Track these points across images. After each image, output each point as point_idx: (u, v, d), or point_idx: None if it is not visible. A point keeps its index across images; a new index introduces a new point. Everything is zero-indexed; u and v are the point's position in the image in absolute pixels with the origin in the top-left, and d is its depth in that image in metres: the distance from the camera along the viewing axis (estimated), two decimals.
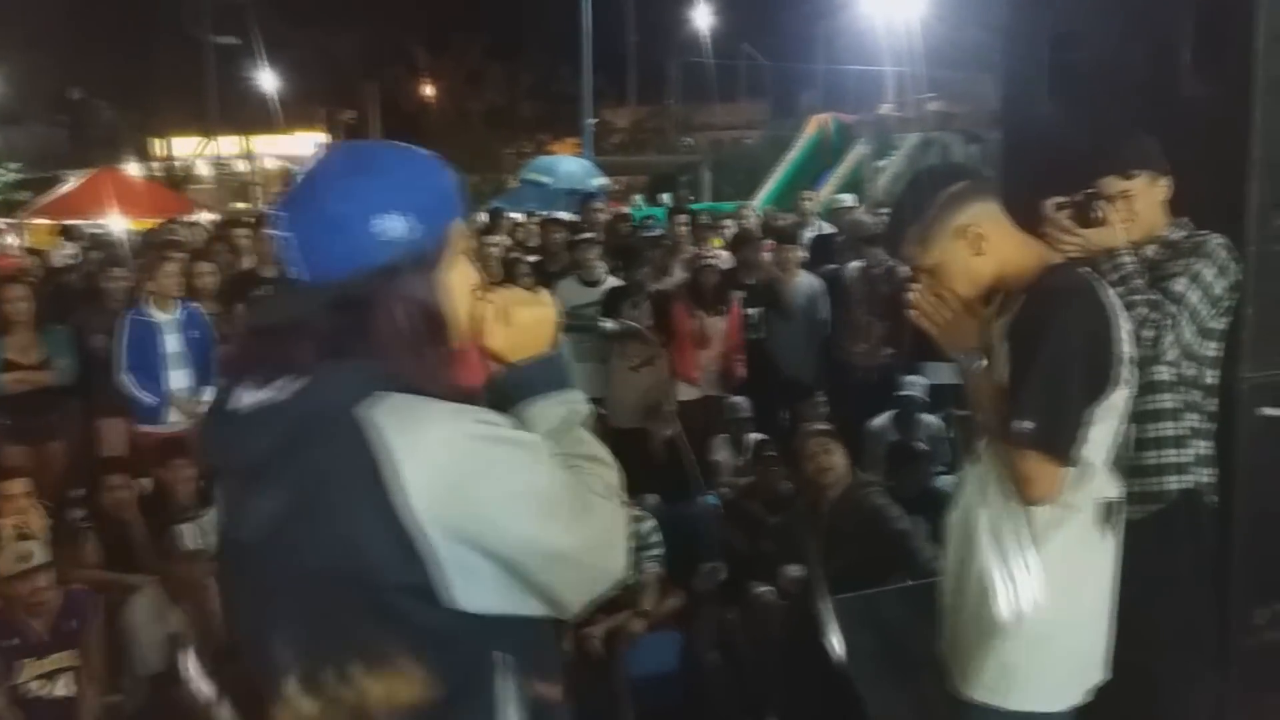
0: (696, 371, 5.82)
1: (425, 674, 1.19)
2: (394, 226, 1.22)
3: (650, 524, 4.43)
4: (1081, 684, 2.02)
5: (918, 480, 4.45)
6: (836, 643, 2.96)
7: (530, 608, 1.25)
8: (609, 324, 1.71)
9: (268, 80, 27.59)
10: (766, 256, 6.39)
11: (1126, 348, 1.95)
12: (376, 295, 1.21)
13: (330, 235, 1.21)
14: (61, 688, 3.43)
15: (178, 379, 5.26)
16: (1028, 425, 1.85)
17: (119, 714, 3.57)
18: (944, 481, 4.34)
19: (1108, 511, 1.99)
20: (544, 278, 6.11)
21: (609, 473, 1.33)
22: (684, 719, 3.98)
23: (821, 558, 3.76)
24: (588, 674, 4.03)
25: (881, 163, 16.26)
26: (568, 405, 1.36)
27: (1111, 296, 1.97)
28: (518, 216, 10.55)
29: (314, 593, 1.18)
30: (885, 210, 7.13)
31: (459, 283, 1.31)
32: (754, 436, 5.14)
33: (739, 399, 5.42)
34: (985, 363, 2.02)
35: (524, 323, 1.36)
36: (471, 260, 1.35)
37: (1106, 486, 1.99)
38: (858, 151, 16.54)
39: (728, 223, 7.95)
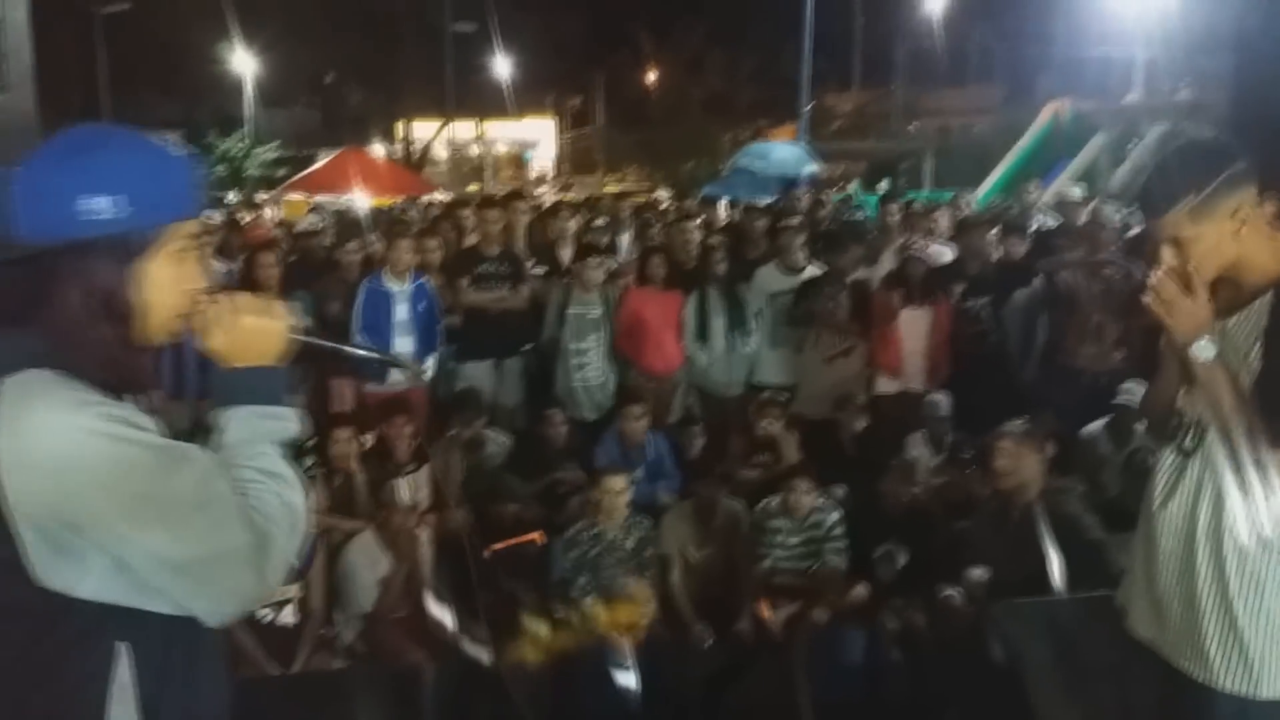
0: (897, 364, 5.71)
1: (17, 649, 1.19)
2: (99, 207, 1.21)
3: (835, 515, 4.41)
4: None
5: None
6: (1014, 648, 2.88)
7: (157, 605, 1.23)
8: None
9: (501, 66, 28.86)
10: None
11: None
12: (59, 269, 1.21)
13: (35, 202, 1.21)
14: (287, 615, 3.80)
15: (404, 344, 5.66)
16: None
17: (333, 645, 3.93)
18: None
19: None
20: (743, 265, 6.15)
21: (289, 492, 1.32)
22: (863, 714, 3.96)
23: (1007, 563, 3.64)
24: (766, 658, 4.08)
25: (1127, 160, 15.03)
26: (269, 419, 1.34)
27: None
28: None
29: None
30: (1131, 206, 6.62)
31: (170, 279, 1.29)
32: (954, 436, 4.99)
33: (939, 396, 5.26)
34: (1215, 351, 1.93)
35: (246, 330, 1.35)
36: (198, 260, 1.33)
37: None
38: (1096, 142, 15.40)
39: (939, 213, 7.68)
